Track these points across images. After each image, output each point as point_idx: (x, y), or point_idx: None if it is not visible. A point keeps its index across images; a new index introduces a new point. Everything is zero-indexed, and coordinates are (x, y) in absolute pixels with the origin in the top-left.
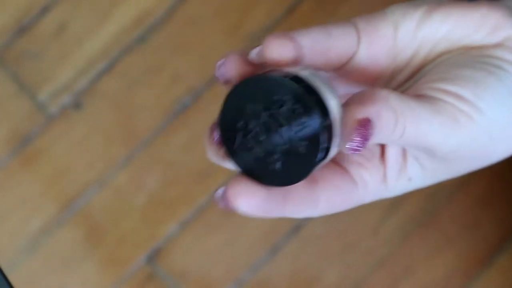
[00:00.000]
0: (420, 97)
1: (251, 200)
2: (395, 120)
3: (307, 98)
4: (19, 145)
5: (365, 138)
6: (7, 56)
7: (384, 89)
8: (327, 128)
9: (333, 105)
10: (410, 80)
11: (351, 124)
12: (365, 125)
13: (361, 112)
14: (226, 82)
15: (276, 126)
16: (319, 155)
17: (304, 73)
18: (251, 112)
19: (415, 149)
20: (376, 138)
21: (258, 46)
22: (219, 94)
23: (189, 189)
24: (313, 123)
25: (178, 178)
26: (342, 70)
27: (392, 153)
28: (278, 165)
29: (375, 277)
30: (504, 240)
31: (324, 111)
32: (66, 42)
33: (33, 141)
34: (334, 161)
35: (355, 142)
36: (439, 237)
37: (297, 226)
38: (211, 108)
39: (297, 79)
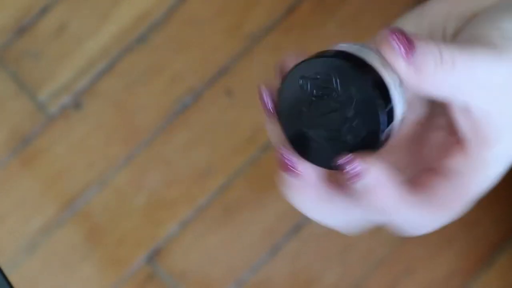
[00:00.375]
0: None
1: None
2: (439, 50)
3: (357, 74)
4: (19, 145)
5: (410, 46)
6: (7, 56)
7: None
8: (384, 101)
9: (388, 79)
10: None
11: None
12: (402, 38)
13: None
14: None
15: (331, 105)
16: (380, 127)
17: (352, 49)
18: (307, 93)
19: (468, 92)
20: (423, 63)
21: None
22: (219, 94)
23: (189, 189)
24: (367, 96)
25: (178, 178)
26: None
27: (464, 125)
28: (349, 138)
29: (375, 277)
30: (504, 239)
31: (379, 85)
32: (66, 42)
33: (33, 141)
34: (421, 166)
35: (398, 46)
36: (439, 237)
37: (297, 226)
38: (211, 108)
39: (346, 55)
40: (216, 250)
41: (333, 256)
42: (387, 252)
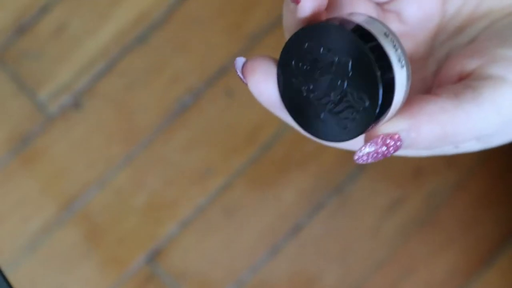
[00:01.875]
0: (466, 84)
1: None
2: (443, 131)
3: (367, 53)
4: (19, 145)
5: (394, 149)
6: (7, 56)
7: (430, 99)
8: (387, 86)
9: (395, 60)
10: (457, 37)
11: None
12: (393, 139)
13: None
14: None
15: (331, 76)
16: (375, 113)
17: (364, 21)
18: (310, 57)
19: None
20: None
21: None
22: (219, 94)
23: (189, 189)
24: (371, 79)
25: (178, 178)
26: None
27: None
28: (323, 115)
29: (375, 277)
30: (504, 239)
31: (385, 65)
32: (66, 42)
33: (33, 141)
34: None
35: (376, 151)
36: (439, 237)
37: (297, 226)
38: (211, 108)
39: (359, 28)
40: (216, 250)
41: (333, 257)
42: (387, 253)
